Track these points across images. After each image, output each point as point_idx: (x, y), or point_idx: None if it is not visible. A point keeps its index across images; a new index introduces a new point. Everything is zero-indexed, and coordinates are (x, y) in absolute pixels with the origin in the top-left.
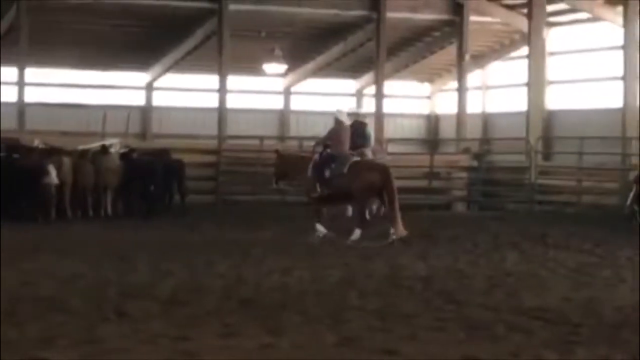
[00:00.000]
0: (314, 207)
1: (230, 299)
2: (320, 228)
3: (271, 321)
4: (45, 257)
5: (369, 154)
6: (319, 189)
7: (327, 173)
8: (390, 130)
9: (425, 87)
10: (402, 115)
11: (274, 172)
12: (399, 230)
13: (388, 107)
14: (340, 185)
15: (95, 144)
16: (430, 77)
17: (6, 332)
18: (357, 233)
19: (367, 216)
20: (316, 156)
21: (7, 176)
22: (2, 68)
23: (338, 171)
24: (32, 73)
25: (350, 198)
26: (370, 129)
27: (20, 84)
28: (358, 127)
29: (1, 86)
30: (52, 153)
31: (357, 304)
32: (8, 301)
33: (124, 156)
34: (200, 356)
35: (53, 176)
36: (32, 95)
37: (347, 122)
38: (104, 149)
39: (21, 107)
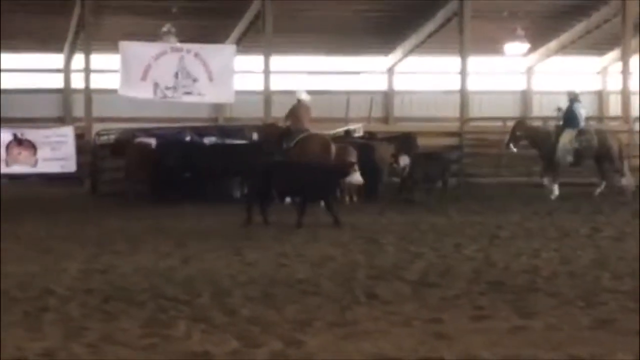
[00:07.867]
0: None
1: (479, 282)
2: None
3: (522, 303)
4: (296, 240)
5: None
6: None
7: (284, 145)
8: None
9: None
10: None
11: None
12: None
13: (635, 84)
14: (290, 157)
15: (339, 130)
16: None
17: (266, 315)
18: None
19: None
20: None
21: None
22: (249, 57)
23: (289, 145)
24: (277, 61)
25: None
26: (581, 107)
27: (266, 72)
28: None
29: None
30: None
31: (610, 286)
32: (267, 284)
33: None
34: (453, 339)
35: None
36: (276, 83)
37: (307, 99)
38: (347, 134)
39: (267, 95)
